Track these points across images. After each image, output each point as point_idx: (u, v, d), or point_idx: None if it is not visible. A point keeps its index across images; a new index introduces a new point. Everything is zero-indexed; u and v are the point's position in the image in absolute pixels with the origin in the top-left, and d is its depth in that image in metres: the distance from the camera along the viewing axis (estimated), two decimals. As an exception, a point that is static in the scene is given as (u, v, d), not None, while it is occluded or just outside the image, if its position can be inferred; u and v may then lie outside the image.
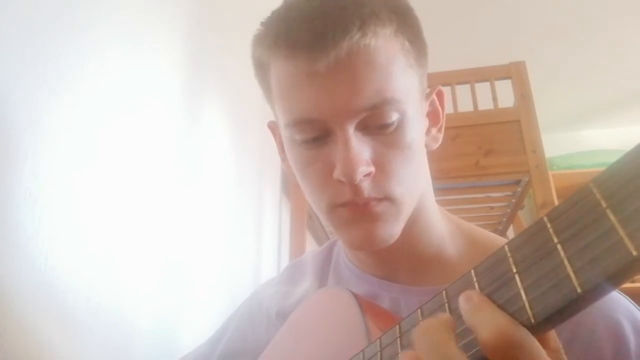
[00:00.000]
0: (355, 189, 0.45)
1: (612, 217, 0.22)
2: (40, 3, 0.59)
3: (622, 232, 0.21)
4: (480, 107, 1.84)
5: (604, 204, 0.23)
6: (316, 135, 0.46)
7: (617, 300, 0.46)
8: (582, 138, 3.40)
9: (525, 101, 1.80)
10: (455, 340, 0.28)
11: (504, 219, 2.17)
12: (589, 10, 2.48)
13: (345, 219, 0.48)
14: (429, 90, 0.55)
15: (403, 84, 0.46)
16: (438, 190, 0.56)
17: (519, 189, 1.87)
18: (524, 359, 0.25)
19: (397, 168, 0.47)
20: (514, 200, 1.98)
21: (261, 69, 0.52)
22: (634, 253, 0.20)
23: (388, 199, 0.47)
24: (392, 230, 0.48)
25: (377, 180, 0.46)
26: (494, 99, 1.85)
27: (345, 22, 0.43)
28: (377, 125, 0.45)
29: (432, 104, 0.55)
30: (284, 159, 0.57)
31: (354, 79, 0.44)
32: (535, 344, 0.25)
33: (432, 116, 0.55)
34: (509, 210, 2.08)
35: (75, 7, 0.66)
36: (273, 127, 0.59)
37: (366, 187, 0.45)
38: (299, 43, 0.44)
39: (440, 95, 0.56)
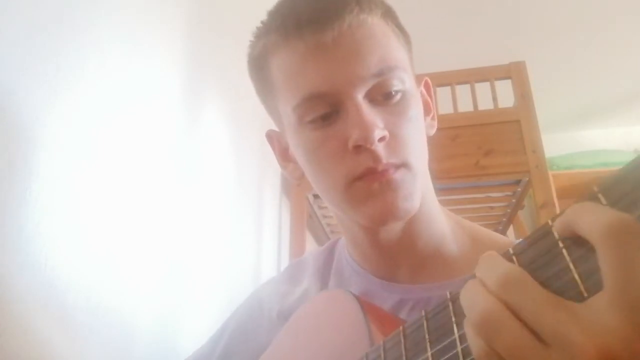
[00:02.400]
0: (374, 154, 0.46)
1: None
2: (40, 3, 0.59)
3: None
4: (480, 107, 1.83)
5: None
6: (325, 111, 0.48)
7: None
8: (582, 138, 3.39)
9: (525, 101, 1.79)
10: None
11: (504, 219, 2.16)
12: (589, 10, 2.47)
13: (365, 192, 0.48)
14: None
15: (401, 56, 0.50)
16: (438, 190, 0.57)
17: (519, 189, 1.86)
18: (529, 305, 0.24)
19: (409, 134, 0.49)
20: (514, 200, 1.97)
21: (261, 64, 0.53)
22: None
23: (405, 165, 0.48)
24: (412, 200, 0.48)
25: (392, 146, 0.47)
26: (494, 99, 1.84)
27: None
28: (382, 94, 0.48)
29: (421, 94, 0.57)
30: (284, 166, 0.58)
31: (359, 49, 0.47)
32: None
33: (424, 106, 0.57)
34: (509, 210, 2.08)
35: (75, 7, 0.66)
36: (272, 135, 0.60)
37: (383, 152, 0.46)
38: (304, 19, 0.47)
39: (427, 86, 0.59)
